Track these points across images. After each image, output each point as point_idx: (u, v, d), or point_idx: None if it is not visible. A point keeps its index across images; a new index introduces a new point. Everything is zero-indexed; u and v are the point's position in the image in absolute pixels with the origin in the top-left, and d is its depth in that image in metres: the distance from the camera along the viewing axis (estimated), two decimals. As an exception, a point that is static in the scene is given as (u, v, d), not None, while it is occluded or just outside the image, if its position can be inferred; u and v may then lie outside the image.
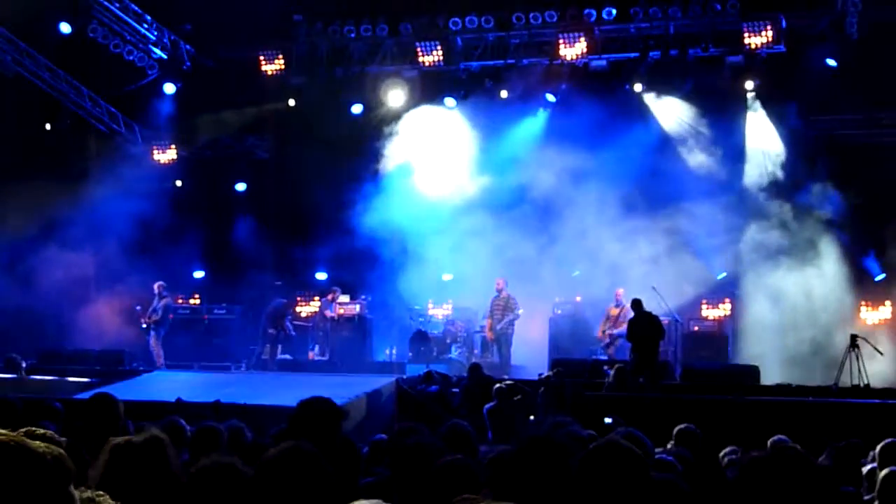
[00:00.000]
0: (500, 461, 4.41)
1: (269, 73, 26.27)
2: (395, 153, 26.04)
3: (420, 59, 25.28)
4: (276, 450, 4.09)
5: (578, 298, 24.73)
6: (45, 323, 24.94)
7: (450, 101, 26.05)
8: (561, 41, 24.31)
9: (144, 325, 23.96)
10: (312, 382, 18.08)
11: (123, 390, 13.21)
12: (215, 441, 7.20)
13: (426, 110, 26.17)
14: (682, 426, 10.37)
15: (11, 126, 25.76)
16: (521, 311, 22.97)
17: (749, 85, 24.14)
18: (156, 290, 24.12)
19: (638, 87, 24.88)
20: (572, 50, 24.29)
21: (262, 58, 26.17)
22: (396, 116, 26.28)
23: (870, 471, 8.01)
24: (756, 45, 23.32)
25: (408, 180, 25.64)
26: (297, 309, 26.44)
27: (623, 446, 4.56)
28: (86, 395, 16.29)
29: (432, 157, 26.02)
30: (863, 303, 23.20)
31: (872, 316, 23.08)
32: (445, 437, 6.93)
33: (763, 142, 24.22)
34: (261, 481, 4.03)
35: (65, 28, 24.49)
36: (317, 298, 26.00)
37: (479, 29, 25.00)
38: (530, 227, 24.60)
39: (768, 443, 8.94)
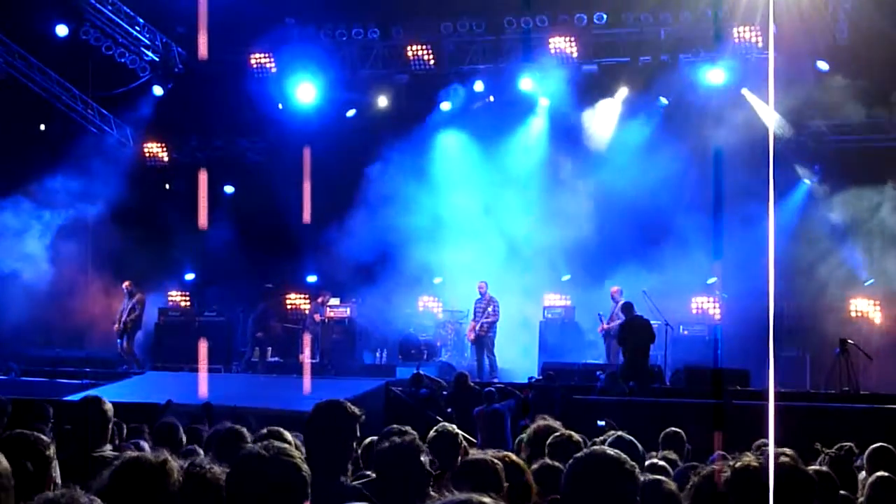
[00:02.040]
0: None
1: (261, 76, 26.30)
2: (387, 156, 25.99)
3: (411, 62, 25.34)
4: (245, 452, 4.08)
5: (569, 301, 24.78)
6: (36, 326, 24.91)
7: (445, 105, 26.06)
8: (552, 45, 24.37)
9: (123, 327, 23.78)
10: (302, 385, 18.09)
11: (114, 392, 13.20)
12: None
13: (418, 112, 26.12)
14: (668, 430, 10.41)
15: (3, 128, 25.75)
16: (496, 316, 22.76)
17: (743, 89, 24.19)
18: (125, 289, 24.00)
19: (626, 92, 24.96)
20: (563, 54, 24.35)
21: (253, 61, 26.19)
22: (388, 119, 26.28)
23: (862, 476, 8.04)
24: (746, 49, 23.40)
25: (399, 184, 25.58)
26: (288, 305, 26.53)
27: (609, 455, 4.57)
28: (76, 396, 16.32)
29: (423, 159, 25.98)
30: (851, 301, 23.26)
31: (862, 316, 23.14)
32: (434, 440, 6.94)
33: (753, 142, 24.21)
34: (234, 486, 4.00)
35: (61, 31, 24.46)
36: (307, 297, 26.06)
37: (471, 32, 25.02)
38: (521, 229, 24.64)
39: (753, 446, 8.96)
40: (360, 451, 8.58)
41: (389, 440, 6.19)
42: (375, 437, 7.74)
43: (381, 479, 5.96)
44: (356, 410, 6.04)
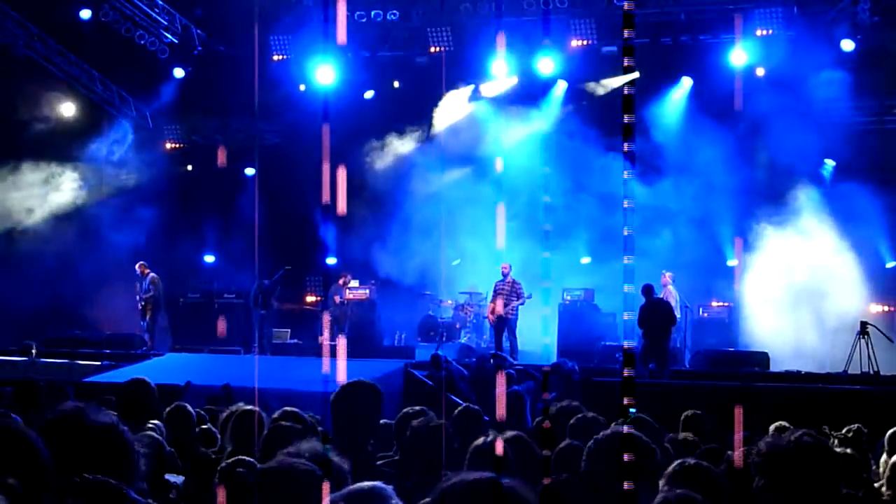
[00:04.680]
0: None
1: (279, 57, 26.30)
2: (406, 137, 25.96)
3: (430, 44, 25.28)
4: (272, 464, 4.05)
5: (588, 283, 24.80)
6: (56, 307, 25.02)
7: (465, 89, 26.02)
8: (571, 27, 24.28)
9: (143, 309, 23.92)
10: (322, 367, 18.06)
11: (134, 374, 13.22)
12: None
13: (438, 93, 26.07)
14: (689, 412, 10.38)
15: (24, 110, 25.81)
16: (528, 296, 22.75)
17: (760, 71, 24.08)
18: (138, 271, 24.07)
19: (646, 73, 24.87)
20: (583, 35, 24.26)
21: (272, 42, 26.19)
22: (407, 101, 26.26)
23: (882, 459, 8.01)
24: (767, 30, 23.25)
25: (418, 165, 25.55)
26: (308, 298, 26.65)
27: (630, 435, 4.57)
28: (97, 378, 16.39)
29: (443, 142, 25.95)
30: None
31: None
32: (457, 420, 6.95)
33: (772, 126, 24.10)
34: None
35: (84, 14, 24.47)
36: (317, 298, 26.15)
37: (490, 14, 24.94)
38: (540, 211, 24.58)
39: (771, 429, 8.94)
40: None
41: (422, 419, 6.27)
42: (392, 420, 7.75)
43: (411, 458, 6.05)
44: (379, 391, 6.15)
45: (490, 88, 25.86)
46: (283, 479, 3.98)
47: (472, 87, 26.04)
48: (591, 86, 25.15)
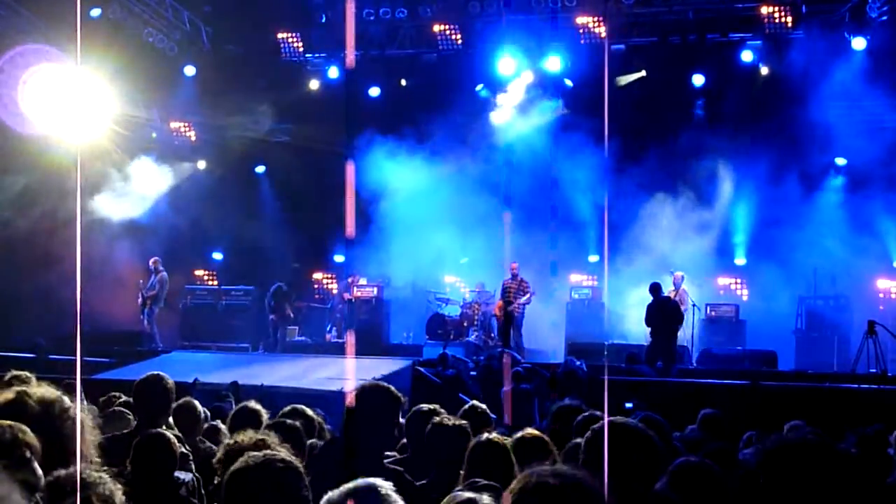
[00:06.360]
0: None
1: (288, 55, 26.32)
2: (414, 135, 25.96)
3: (439, 42, 25.27)
4: (243, 460, 4.00)
5: (595, 282, 24.80)
6: (63, 304, 25.03)
7: (478, 87, 26.04)
8: (580, 25, 24.25)
9: (143, 304, 23.98)
10: (330, 365, 18.09)
11: (141, 370, 13.23)
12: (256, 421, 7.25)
13: (446, 91, 26.06)
14: (707, 411, 10.32)
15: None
16: (530, 295, 22.80)
17: (765, 70, 24.05)
18: (151, 266, 24.13)
19: (654, 71, 24.85)
20: (591, 34, 24.23)
21: (280, 40, 26.20)
22: (415, 99, 26.25)
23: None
24: (775, 29, 23.20)
25: (427, 163, 25.54)
26: (315, 287, 26.65)
27: (627, 425, 4.60)
28: (106, 374, 16.42)
29: (449, 139, 25.95)
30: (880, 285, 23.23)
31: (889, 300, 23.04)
32: (464, 417, 6.96)
33: (782, 124, 24.06)
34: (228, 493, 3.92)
35: (94, 13, 24.48)
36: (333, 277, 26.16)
37: (498, 12, 24.91)
38: (547, 209, 24.59)
39: (785, 428, 8.92)
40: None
41: (438, 417, 6.24)
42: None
43: (425, 455, 6.03)
44: (398, 395, 6.07)
45: (498, 87, 25.86)
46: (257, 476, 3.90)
47: (482, 86, 26.08)
48: (616, 81, 25.12)
